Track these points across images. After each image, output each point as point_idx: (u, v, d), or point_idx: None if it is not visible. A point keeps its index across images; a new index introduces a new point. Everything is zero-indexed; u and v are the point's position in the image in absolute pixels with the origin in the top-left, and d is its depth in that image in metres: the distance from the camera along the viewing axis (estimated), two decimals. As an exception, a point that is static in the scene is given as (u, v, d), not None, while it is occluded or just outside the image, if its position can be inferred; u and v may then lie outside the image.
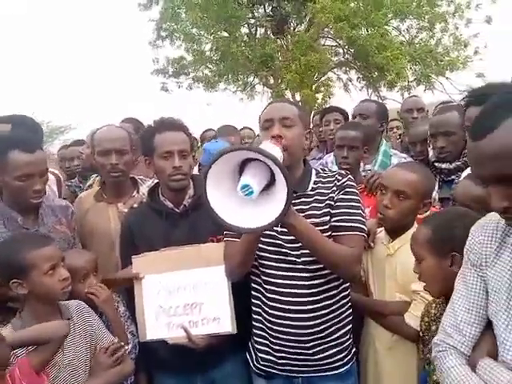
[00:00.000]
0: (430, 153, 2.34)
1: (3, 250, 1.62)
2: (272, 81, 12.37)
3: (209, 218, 1.75)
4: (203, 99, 12.86)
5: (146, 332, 1.78)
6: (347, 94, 12.91)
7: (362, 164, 2.44)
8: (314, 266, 1.62)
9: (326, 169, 1.82)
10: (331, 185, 1.66)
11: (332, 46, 12.73)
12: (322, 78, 12.26)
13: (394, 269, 1.78)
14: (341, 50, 12.61)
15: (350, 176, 1.71)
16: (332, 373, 1.67)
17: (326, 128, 3.20)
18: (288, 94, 11.92)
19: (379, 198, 1.83)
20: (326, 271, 1.63)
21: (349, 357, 1.71)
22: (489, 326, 1.21)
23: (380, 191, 1.84)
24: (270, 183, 1.37)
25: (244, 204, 1.35)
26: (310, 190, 1.66)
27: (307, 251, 1.60)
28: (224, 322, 1.72)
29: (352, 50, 11.81)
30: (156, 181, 2.09)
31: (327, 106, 8.91)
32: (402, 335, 1.74)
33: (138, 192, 2.17)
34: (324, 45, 12.49)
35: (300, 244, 1.60)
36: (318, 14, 10.46)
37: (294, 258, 1.63)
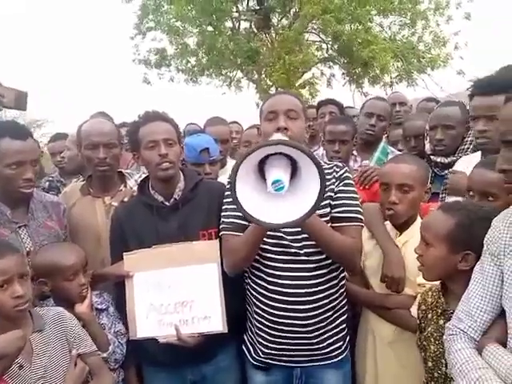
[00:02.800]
0: (427, 145, 2.36)
1: None
2: (256, 76, 12.32)
3: (200, 212, 1.78)
4: (185, 92, 12.70)
5: (136, 330, 1.76)
6: (330, 90, 12.98)
7: (359, 159, 2.46)
8: (317, 257, 1.65)
9: (322, 161, 1.82)
10: (330, 176, 1.68)
11: (316, 41, 12.76)
12: (306, 75, 12.28)
13: None
14: (324, 46, 12.65)
15: (346, 168, 1.74)
16: (330, 361, 1.70)
17: (321, 120, 3.21)
18: (273, 90, 11.91)
19: (382, 196, 1.84)
20: (327, 261, 1.66)
21: (345, 345, 1.76)
22: (502, 314, 1.24)
23: (382, 189, 1.85)
24: (291, 177, 1.37)
25: (270, 199, 1.35)
26: None
27: (309, 243, 1.63)
28: (215, 321, 1.71)
29: (336, 46, 11.86)
30: (144, 174, 2.06)
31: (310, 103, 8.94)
32: (407, 328, 1.75)
33: (125, 186, 2.13)
34: (308, 40, 12.50)
35: (302, 236, 1.63)
36: (305, 5, 10.45)
37: (295, 250, 1.65)
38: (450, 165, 2.22)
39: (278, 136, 1.49)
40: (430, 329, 1.55)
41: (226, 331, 1.70)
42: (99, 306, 1.84)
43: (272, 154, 1.35)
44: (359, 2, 10.50)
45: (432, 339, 1.53)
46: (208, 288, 1.72)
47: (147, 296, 1.76)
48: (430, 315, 1.58)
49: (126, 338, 1.82)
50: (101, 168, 2.02)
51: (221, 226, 1.73)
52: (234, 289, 1.75)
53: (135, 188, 2.03)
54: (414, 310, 1.71)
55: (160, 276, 1.75)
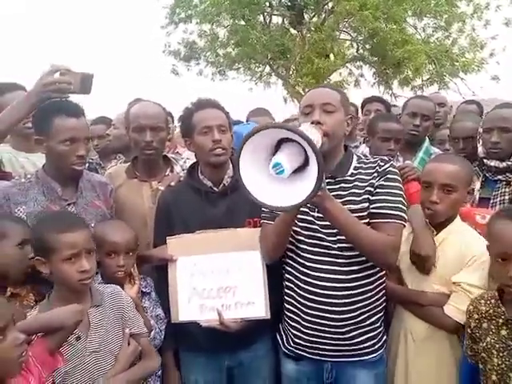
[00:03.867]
0: (480, 148, 2.28)
1: (37, 225, 1.61)
2: (285, 72, 12.28)
3: (247, 200, 1.77)
4: (212, 86, 12.76)
5: (178, 313, 1.78)
6: (358, 90, 12.84)
7: (401, 159, 2.42)
8: (350, 253, 1.63)
9: (368, 155, 1.80)
10: (372, 171, 1.65)
11: (347, 39, 12.61)
12: (334, 76, 12.14)
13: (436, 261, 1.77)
14: (355, 45, 12.50)
15: (392, 162, 1.70)
16: (362, 358, 1.69)
17: (366, 117, 3.17)
18: (299, 88, 11.87)
19: (423, 194, 1.82)
20: (361, 258, 1.63)
21: (379, 344, 1.73)
22: None
23: (423, 188, 1.83)
24: (304, 164, 1.36)
25: (275, 182, 1.35)
26: (350, 176, 1.66)
27: (344, 237, 1.60)
28: (258, 307, 1.72)
29: (368, 45, 11.70)
30: (190, 160, 2.07)
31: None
32: (441, 326, 1.75)
33: (172, 171, 2.13)
34: (340, 38, 12.37)
35: (336, 230, 1.60)
36: (341, 2, 10.33)
37: (329, 244, 1.64)
38: (505, 170, 2.15)
39: (304, 126, 1.49)
40: (489, 339, 1.51)
41: (269, 317, 1.71)
42: (143, 290, 1.87)
43: (287, 142, 1.35)
44: (395, 1, 10.31)
45: (494, 351, 1.49)
46: (252, 274, 1.73)
47: (190, 280, 1.77)
48: (485, 324, 1.53)
49: (165, 323, 1.84)
50: (147, 151, 2.03)
51: (261, 215, 1.74)
52: (276, 278, 1.75)
53: (182, 173, 2.05)
54: (446, 309, 1.71)
55: (203, 261, 1.76)
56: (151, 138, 2.01)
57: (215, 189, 1.86)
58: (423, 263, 1.77)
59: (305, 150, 1.32)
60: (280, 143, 1.37)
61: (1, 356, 1.23)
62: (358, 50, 12.50)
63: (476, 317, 1.57)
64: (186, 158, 2.29)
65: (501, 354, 1.46)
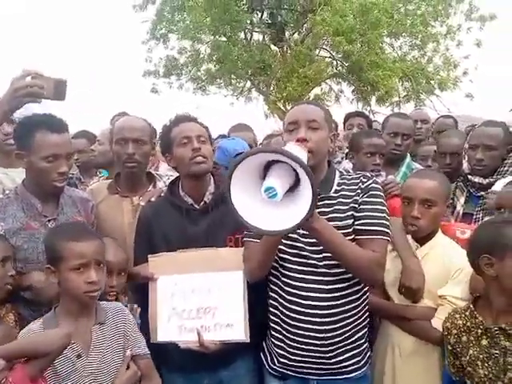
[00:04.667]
0: (464, 164, 2.33)
1: (49, 233, 1.61)
2: (265, 88, 12.43)
3: (228, 217, 1.75)
4: (192, 102, 12.82)
5: (157, 333, 1.73)
6: (338, 105, 13.08)
7: (384, 174, 2.45)
8: (336, 270, 1.61)
9: (351, 171, 1.81)
10: (355, 187, 1.65)
11: (327, 57, 12.90)
12: (316, 90, 12.40)
13: None
14: (335, 62, 12.78)
15: (374, 179, 1.70)
16: (347, 376, 1.67)
17: (349, 132, 3.21)
18: (280, 104, 12.01)
19: (404, 210, 1.85)
20: (347, 275, 1.62)
21: (363, 361, 1.71)
22: None
23: (403, 203, 1.86)
24: (295, 185, 1.35)
25: (267, 206, 1.34)
26: (334, 192, 1.65)
27: (329, 255, 1.58)
28: (237, 329, 1.68)
29: (346, 64, 11.98)
30: (174, 176, 2.03)
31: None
32: (428, 340, 1.76)
33: (154, 187, 2.10)
34: (318, 55, 12.63)
35: (321, 248, 1.59)
36: (317, 25, 10.60)
37: (315, 262, 1.62)
38: (488, 186, 2.19)
39: (290, 146, 1.48)
40: (471, 352, 1.51)
41: (248, 341, 1.68)
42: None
43: (276, 163, 1.34)
44: (371, 25, 10.61)
45: (479, 362, 1.49)
46: (232, 296, 1.70)
47: (170, 300, 1.73)
48: (464, 338, 1.54)
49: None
50: (129, 164, 2.00)
51: (244, 233, 1.72)
52: (258, 296, 1.72)
53: (164, 188, 2.01)
54: (434, 322, 1.72)
55: (184, 281, 1.73)
56: (133, 151, 1.98)
57: (196, 206, 1.83)
58: (413, 294, 1.77)
59: (294, 169, 1.31)
60: (268, 165, 1.36)
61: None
62: (336, 67, 12.78)
63: (454, 332, 1.58)
64: (169, 175, 2.25)
65: (486, 365, 1.47)
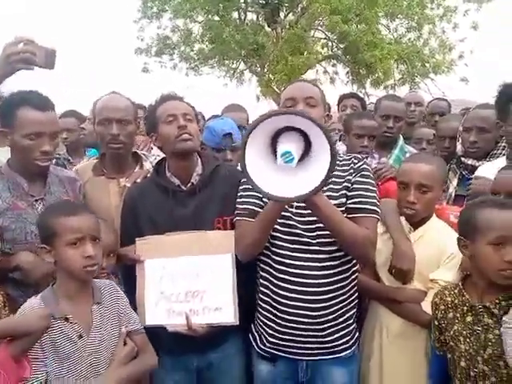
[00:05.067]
0: (458, 146, 2.33)
1: (42, 214, 1.58)
2: (259, 69, 12.26)
3: (216, 199, 1.74)
4: (184, 82, 12.63)
5: (145, 317, 1.70)
6: (332, 87, 12.97)
7: (376, 156, 2.43)
8: (329, 248, 1.63)
9: (341, 152, 1.79)
10: (348, 168, 1.67)
11: (322, 38, 12.72)
12: (309, 74, 12.25)
13: None
14: (330, 44, 12.61)
15: (365, 160, 1.73)
16: (336, 356, 1.68)
17: (342, 113, 3.19)
18: (274, 86, 11.87)
19: (400, 194, 1.83)
20: (340, 253, 1.64)
21: (352, 341, 1.73)
22: None
23: (400, 188, 1.84)
24: (304, 153, 1.38)
25: (280, 173, 1.34)
26: None
27: (323, 233, 1.60)
28: (226, 313, 1.67)
29: (342, 45, 11.84)
30: (159, 156, 1.98)
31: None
32: (417, 322, 1.76)
33: (141, 167, 2.04)
34: (314, 37, 12.46)
35: (316, 225, 1.60)
36: (313, 3, 10.41)
37: (308, 240, 1.62)
38: None
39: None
40: (456, 328, 1.55)
41: (238, 323, 1.66)
42: None
43: (284, 131, 1.35)
44: (368, 4, 10.46)
45: (461, 338, 1.53)
46: (221, 279, 1.68)
47: (158, 284, 1.70)
48: (450, 314, 1.58)
49: None
50: (113, 145, 1.93)
51: (235, 212, 1.69)
52: (246, 277, 1.71)
53: (151, 169, 1.96)
54: (424, 305, 1.72)
55: (172, 264, 1.70)
56: (117, 132, 1.91)
57: (183, 187, 1.78)
58: (403, 276, 1.77)
59: (305, 137, 1.33)
60: (276, 135, 1.37)
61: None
62: (331, 49, 12.62)
63: (442, 307, 1.60)
64: (156, 154, 2.20)
65: (468, 340, 1.51)
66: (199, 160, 1.82)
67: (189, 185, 1.77)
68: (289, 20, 12.09)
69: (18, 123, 1.66)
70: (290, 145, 1.32)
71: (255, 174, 1.34)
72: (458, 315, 1.55)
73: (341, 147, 2.60)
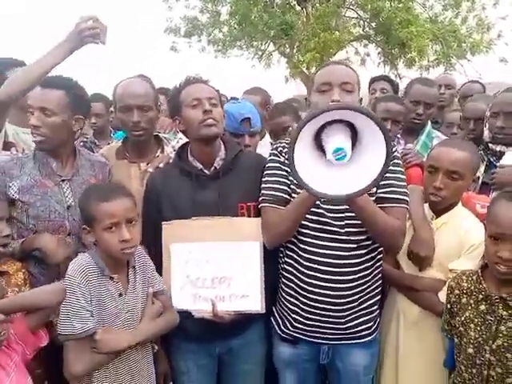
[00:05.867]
0: (485, 132, 2.24)
1: (83, 195, 1.65)
2: (289, 50, 12.03)
3: (239, 183, 1.74)
4: (214, 64, 12.54)
5: (171, 300, 1.72)
6: (363, 68, 12.59)
7: (402, 142, 2.36)
8: (358, 237, 1.63)
9: None
10: None
11: (353, 17, 12.32)
12: (340, 55, 11.90)
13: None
14: (362, 23, 12.21)
15: (396, 147, 1.69)
16: (358, 341, 1.70)
17: (372, 97, 3.11)
18: (304, 67, 11.63)
19: (427, 179, 1.78)
20: (367, 242, 1.64)
21: (375, 326, 1.74)
22: None
23: (428, 172, 1.79)
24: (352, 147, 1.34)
25: (328, 169, 1.32)
26: None
27: (352, 222, 1.60)
28: (253, 300, 1.67)
29: (374, 24, 11.43)
30: (182, 140, 1.99)
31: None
32: (433, 311, 1.75)
33: (162, 151, 2.05)
34: (345, 16, 12.08)
35: (345, 214, 1.60)
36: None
37: (336, 229, 1.62)
38: None
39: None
40: (468, 314, 1.54)
41: (264, 311, 1.67)
42: None
43: (329, 124, 1.30)
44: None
45: (472, 325, 1.52)
46: (248, 266, 1.67)
47: (184, 268, 1.70)
48: (464, 300, 1.56)
49: None
50: (135, 132, 1.95)
51: (261, 198, 1.69)
52: (271, 263, 1.71)
53: (172, 154, 1.97)
54: (441, 295, 1.69)
55: (199, 249, 1.70)
56: (138, 119, 1.91)
57: (206, 171, 1.78)
58: (420, 262, 1.75)
59: (353, 130, 1.30)
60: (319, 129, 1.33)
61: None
62: (363, 28, 12.22)
63: (457, 292, 1.59)
64: (179, 138, 2.20)
65: (478, 328, 1.50)
66: (222, 144, 1.81)
67: (212, 169, 1.77)
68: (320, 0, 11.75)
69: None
70: (341, 140, 1.28)
71: (303, 172, 1.31)
72: (472, 302, 1.54)
73: None
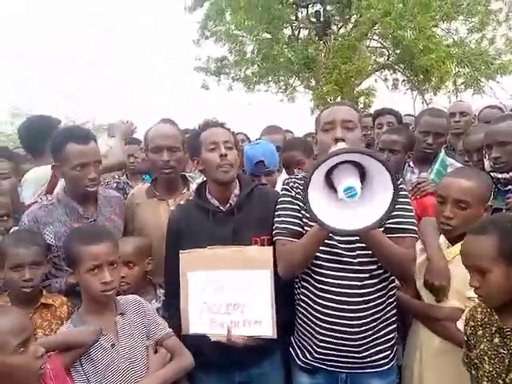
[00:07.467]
0: (486, 163, 2.28)
1: (67, 238, 1.76)
2: (313, 83, 12.31)
3: (253, 219, 1.84)
4: (243, 99, 12.99)
5: (189, 325, 1.81)
6: (394, 94, 12.67)
7: (416, 171, 2.43)
8: (370, 267, 1.68)
9: None
10: None
11: (376, 47, 12.51)
12: (362, 85, 12.05)
13: (451, 275, 1.77)
14: (386, 52, 12.37)
15: (401, 179, 1.74)
16: (376, 370, 1.71)
17: (379, 131, 3.17)
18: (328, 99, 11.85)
19: (438, 209, 1.82)
20: (379, 271, 1.69)
21: (392, 355, 1.75)
22: None
23: (438, 202, 1.83)
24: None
25: (339, 206, 1.41)
26: None
27: (364, 252, 1.66)
28: (265, 326, 1.73)
29: (397, 52, 11.55)
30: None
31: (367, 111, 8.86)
32: (453, 341, 1.73)
33: (188, 189, 2.23)
34: (368, 46, 12.29)
35: (356, 245, 1.66)
36: (364, 10, 10.30)
37: (349, 259, 1.67)
38: None
39: (340, 146, 1.54)
40: (483, 347, 1.51)
41: (276, 337, 1.73)
42: None
43: (339, 163, 1.40)
44: (421, 8, 10.12)
45: (486, 358, 1.49)
46: (260, 293, 1.74)
47: (201, 294, 1.80)
48: (480, 332, 1.54)
49: None
50: (165, 171, 2.15)
51: (274, 232, 1.76)
52: (283, 295, 1.78)
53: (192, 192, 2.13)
54: (459, 324, 1.68)
55: (214, 276, 1.79)
56: (168, 158, 2.12)
57: (222, 208, 1.89)
58: (436, 291, 1.78)
59: (359, 172, 1.41)
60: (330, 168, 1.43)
61: (22, 367, 1.31)
62: (388, 57, 12.35)
63: (472, 324, 1.58)
64: (203, 176, 2.39)
65: (492, 361, 1.48)
66: (237, 182, 1.94)
67: (227, 206, 1.89)
68: (341, 33, 12.06)
69: (66, 157, 1.94)
70: (350, 179, 1.37)
71: (317, 210, 1.40)
72: (487, 334, 1.51)
73: None
